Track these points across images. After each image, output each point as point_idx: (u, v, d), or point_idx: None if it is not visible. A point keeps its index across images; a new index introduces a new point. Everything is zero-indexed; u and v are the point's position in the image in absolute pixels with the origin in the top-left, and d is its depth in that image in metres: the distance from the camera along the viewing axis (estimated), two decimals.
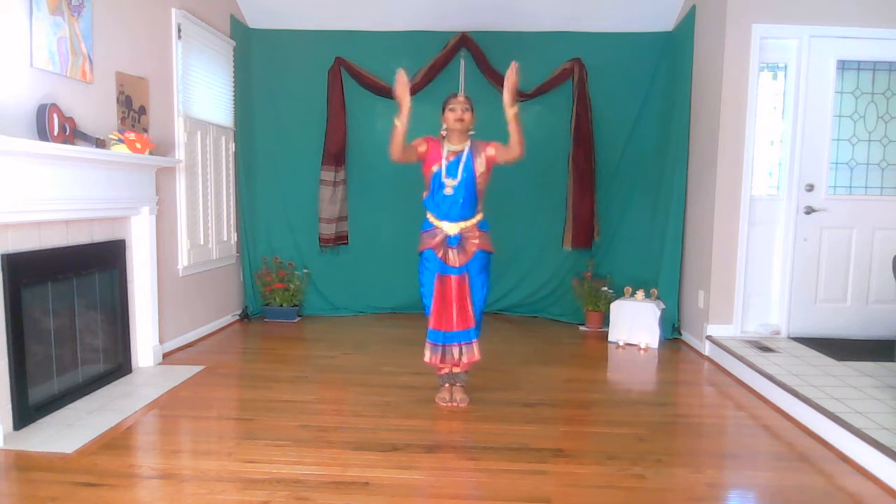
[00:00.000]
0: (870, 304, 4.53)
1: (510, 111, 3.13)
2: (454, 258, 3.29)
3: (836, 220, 4.48)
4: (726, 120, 4.42)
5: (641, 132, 5.51)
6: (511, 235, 5.56)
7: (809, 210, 4.47)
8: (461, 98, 3.29)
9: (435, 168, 3.27)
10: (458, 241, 3.29)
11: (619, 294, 5.07)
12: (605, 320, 5.15)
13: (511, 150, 3.21)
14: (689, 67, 4.96)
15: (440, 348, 3.34)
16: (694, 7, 4.92)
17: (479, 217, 3.35)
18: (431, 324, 3.33)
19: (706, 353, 4.57)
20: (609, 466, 2.68)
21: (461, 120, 3.23)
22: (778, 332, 4.54)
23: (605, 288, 5.30)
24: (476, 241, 3.30)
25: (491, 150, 3.29)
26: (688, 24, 4.98)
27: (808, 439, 3.04)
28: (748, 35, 4.34)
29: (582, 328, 5.39)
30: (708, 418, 3.42)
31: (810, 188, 4.46)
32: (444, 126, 3.31)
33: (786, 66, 4.46)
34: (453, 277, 3.31)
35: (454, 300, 3.31)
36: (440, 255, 3.29)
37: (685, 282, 5.10)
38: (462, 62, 5.51)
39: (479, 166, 3.28)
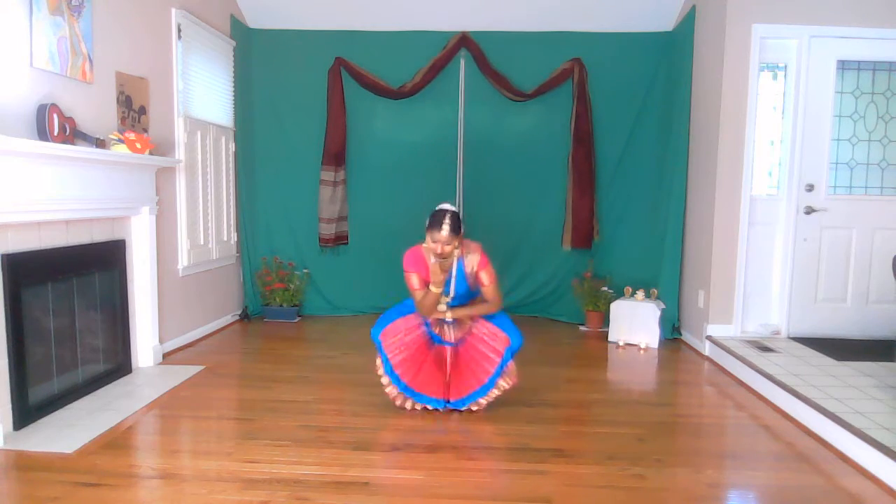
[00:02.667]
0: (869, 304, 4.53)
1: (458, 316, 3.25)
2: (449, 335, 3.32)
3: (836, 219, 4.48)
4: (726, 120, 4.42)
5: (641, 132, 5.50)
6: (511, 235, 5.57)
7: (809, 210, 4.47)
8: (444, 234, 3.04)
9: (431, 287, 3.18)
10: (455, 321, 3.31)
11: (619, 294, 5.07)
12: (605, 320, 5.15)
13: (487, 307, 3.27)
14: (689, 67, 4.96)
15: (427, 406, 3.30)
16: (694, 7, 4.92)
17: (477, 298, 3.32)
18: (408, 380, 3.24)
19: (706, 353, 4.57)
20: (609, 466, 2.68)
21: (442, 256, 3.10)
22: (778, 332, 4.54)
23: (605, 288, 5.30)
24: (470, 321, 3.30)
25: (484, 279, 3.21)
26: (688, 24, 4.98)
27: (808, 439, 3.04)
28: (748, 35, 4.34)
29: (582, 328, 5.39)
30: (708, 418, 3.42)
31: (810, 188, 4.46)
32: (424, 247, 3.19)
33: (786, 66, 4.46)
34: (448, 349, 3.32)
35: (448, 370, 3.29)
36: (436, 330, 3.32)
37: (685, 282, 5.10)
38: (462, 62, 5.51)
39: (470, 270, 3.21)
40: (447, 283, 3.21)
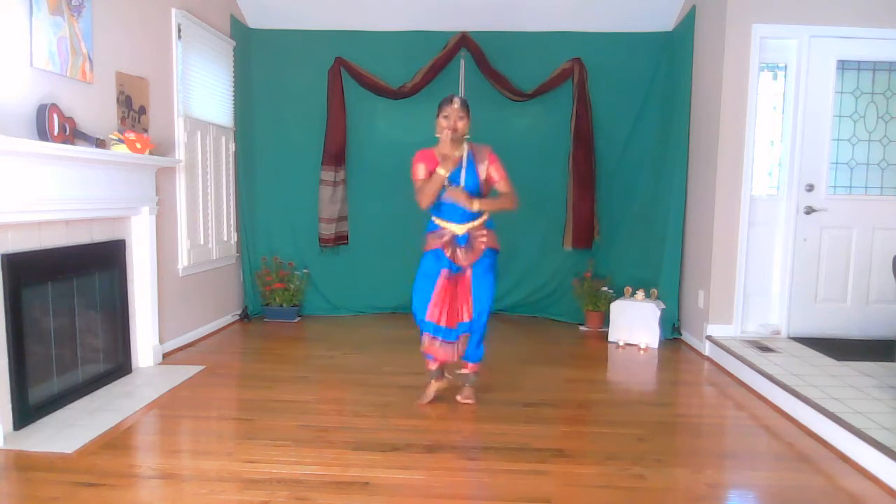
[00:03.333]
0: (870, 304, 4.53)
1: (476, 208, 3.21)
2: (463, 257, 3.28)
3: (836, 219, 4.48)
4: (726, 120, 4.42)
5: (641, 132, 5.50)
6: (511, 235, 5.51)
7: (809, 210, 4.47)
8: (455, 106, 3.20)
9: None
10: (467, 240, 3.29)
11: (619, 294, 5.07)
12: (605, 320, 5.15)
13: (504, 203, 3.31)
14: (689, 67, 4.96)
15: (451, 344, 3.33)
16: (694, 7, 4.92)
17: (485, 217, 3.32)
18: (437, 319, 3.29)
19: (706, 353, 4.57)
20: (609, 466, 2.68)
21: (454, 129, 3.18)
22: (778, 332, 4.54)
23: (605, 288, 5.29)
24: (484, 240, 3.29)
25: (495, 175, 3.29)
26: (688, 24, 4.98)
27: (808, 439, 3.04)
28: (748, 35, 4.34)
29: (582, 328, 5.39)
30: (708, 418, 3.42)
31: (810, 188, 4.46)
32: (437, 130, 3.24)
33: (786, 66, 4.46)
34: (465, 275, 3.33)
35: (464, 295, 3.33)
36: (449, 254, 3.28)
37: (685, 282, 5.10)
38: (462, 62, 5.51)
39: (482, 173, 3.28)
40: (457, 172, 3.21)
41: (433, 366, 3.45)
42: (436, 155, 3.25)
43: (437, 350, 3.34)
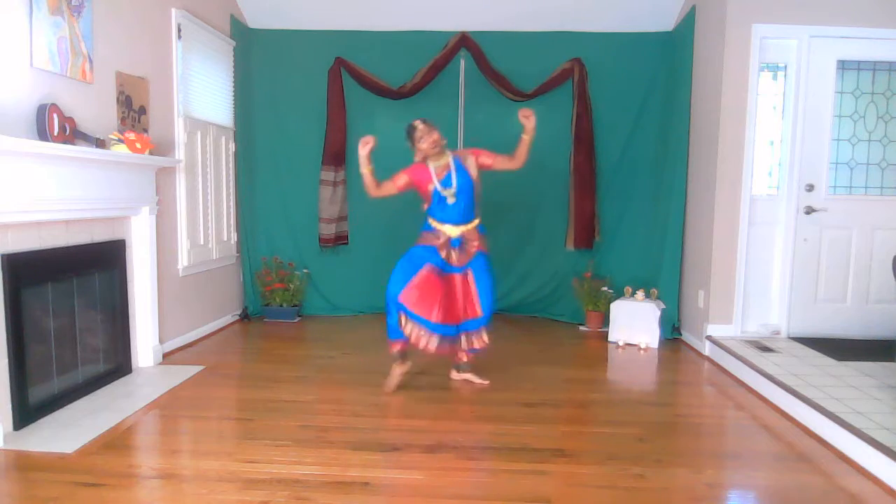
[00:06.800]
0: (870, 304, 4.53)
1: (529, 130, 3.44)
2: (457, 259, 3.55)
3: (836, 220, 4.48)
4: (726, 120, 4.42)
5: (641, 132, 5.50)
6: (511, 235, 5.56)
7: (809, 210, 4.47)
8: (422, 126, 3.50)
9: (430, 186, 3.52)
10: (460, 243, 3.55)
11: (619, 294, 5.07)
12: (605, 320, 5.15)
13: (515, 160, 3.52)
14: (689, 67, 4.96)
15: (445, 339, 3.54)
16: (694, 7, 4.92)
17: (477, 221, 3.61)
18: (427, 315, 3.48)
19: (706, 353, 4.57)
20: (609, 466, 2.68)
21: (436, 143, 3.48)
22: (778, 332, 4.54)
23: (605, 288, 5.29)
24: (476, 244, 3.58)
25: (486, 160, 3.55)
26: (688, 24, 4.98)
27: (808, 439, 3.04)
28: (748, 35, 4.34)
29: (582, 328, 5.39)
30: (708, 418, 3.42)
31: (810, 188, 4.46)
32: (420, 156, 3.54)
33: (786, 67, 4.46)
34: (457, 276, 3.59)
35: (460, 296, 3.59)
36: (444, 255, 3.54)
37: (685, 282, 5.10)
38: (462, 62, 5.51)
39: (472, 170, 3.54)
40: (448, 177, 3.49)
41: (397, 347, 3.59)
42: (429, 168, 3.53)
43: (424, 340, 3.48)
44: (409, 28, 5.50)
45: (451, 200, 3.48)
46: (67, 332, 3.35)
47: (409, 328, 3.48)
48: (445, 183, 3.49)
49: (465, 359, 3.77)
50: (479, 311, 3.59)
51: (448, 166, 3.51)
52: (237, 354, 4.53)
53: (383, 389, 3.60)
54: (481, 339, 3.67)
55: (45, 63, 3.08)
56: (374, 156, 5.63)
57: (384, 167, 5.56)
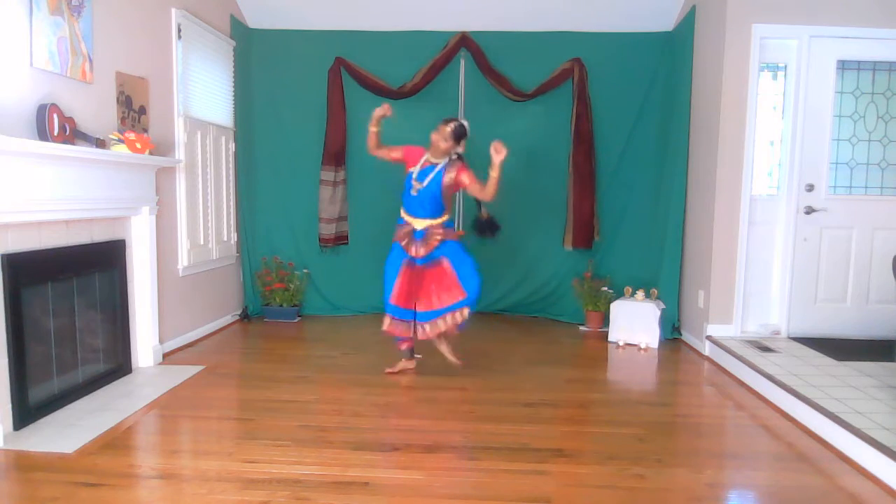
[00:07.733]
0: (870, 304, 4.53)
1: (496, 166, 3.52)
2: (416, 250, 3.76)
3: (836, 219, 4.48)
4: (726, 120, 4.42)
5: (641, 132, 5.50)
6: (511, 235, 5.54)
7: (809, 210, 4.47)
8: (447, 130, 3.67)
9: (410, 169, 3.76)
10: (423, 235, 3.76)
11: (619, 294, 5.07)
12: (605, 320, 5.15)
13: (485, 192, 3.65)
14: (689, 67, 4.96)
15: (411, 324, 3.84)
16: (694, 7, 4.92)
17: (444, 217, 3.79)
18: (396, 301, 3.83)
19: (706, 353, 4.57)
20: (609, 466, 2.68)
21: (436, 144, 3.69)
22: (778, 332, 4.54)
23: (605, 288, 5.29)
24: (439, 236, 3.75)
25: (465, 179, 3.70)
26: (688, 24, 4.98)
27: (808, 439, 3.04)
28: (748, 35, 4.34)
29: (582, 328, 5.39)
30: (708, 418, 3.42)
31: (810, 188, 4.46)
32: (434, 149, 3.72)
33: (786, 66, 4.46)
34: (423, 266, 3.78)
35: (432, 284, 3.78)
36: (404, 244, 3.78)
37: (685, 282, 5.10)
38: (462, 62, 5.51)
39: (447, 180, 3.72)
40: (426, 171, 3.71)
41: (403, 346, 3.97)
42: (423, 156, 3.76)
43: (394, 327, 3.86)
44: (409, 28, 5.50)
45: (413, 192, 3.71)
46: (67, 332, 3.35)
47: (386, 322, 3.87)
48: (420, 176, 3.71)
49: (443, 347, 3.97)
50: (462, 294, 3.73)
51: (434, 166, 3.72)
52: (237, 354, 4.53)
53: (384, 370, 3.95)
54: (457, 316, 3.77)
55: (45, 63, 3.08)
56: (374, 156, 5.69)
57: (384, 167, 5.57)
